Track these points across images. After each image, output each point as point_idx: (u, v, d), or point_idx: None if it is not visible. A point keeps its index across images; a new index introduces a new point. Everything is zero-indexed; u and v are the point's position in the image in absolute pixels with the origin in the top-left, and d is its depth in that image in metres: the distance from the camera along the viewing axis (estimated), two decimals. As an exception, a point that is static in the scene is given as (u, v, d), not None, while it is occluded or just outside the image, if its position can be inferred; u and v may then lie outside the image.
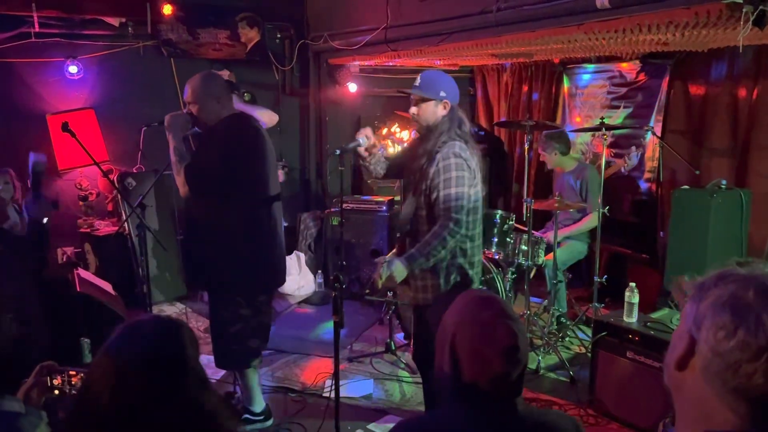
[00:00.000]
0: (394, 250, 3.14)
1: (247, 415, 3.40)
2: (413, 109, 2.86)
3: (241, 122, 3.20)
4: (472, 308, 1.54)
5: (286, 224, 5.99)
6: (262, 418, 3.43)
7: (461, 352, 1.48)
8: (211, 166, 3.03)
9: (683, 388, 1.06)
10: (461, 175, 2.71)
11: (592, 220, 4.59)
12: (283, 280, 3.49)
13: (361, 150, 2.99)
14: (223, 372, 4.04)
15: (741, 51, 2.77)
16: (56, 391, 1.80)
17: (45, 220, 4.39)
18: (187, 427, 1.36)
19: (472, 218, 2.81)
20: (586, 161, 5.51)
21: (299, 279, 5.76)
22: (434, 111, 2.82)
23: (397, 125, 6.25)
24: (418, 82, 2.86)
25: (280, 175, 5.26)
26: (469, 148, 2.81)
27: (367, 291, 2.73)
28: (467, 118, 2.95)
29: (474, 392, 1.48)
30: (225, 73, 5.96)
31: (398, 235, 3.07)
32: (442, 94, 2.82)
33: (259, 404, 3.43)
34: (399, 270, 2.72)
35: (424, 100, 2.82)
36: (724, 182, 4.11)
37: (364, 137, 2.97)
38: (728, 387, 0.99)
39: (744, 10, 2.47)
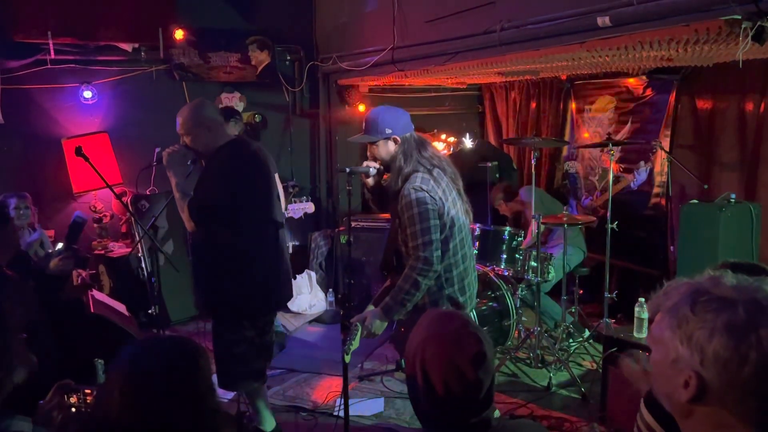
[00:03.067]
0: (380, 292, 3.05)
1: None
2: (370, 152, 2.87)
3: (238, 149, 3.14)
4: (437, 323, 1.56)
5: (297, 243, 6.04)
6: None
7: (431, 367, 1.48)
8: (212, 197, 3.01)
9: (694, 414, 1.04)
10: (423, 209, 2.64)
11: (533, 235, 4.52)
12: (288, 300, 3.51)
13: (368, 180, 3.01)
14: (231, 394, 4.07)
15: (741, 66, 2.78)
16: (73, 409, 1.84)
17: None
18: None
19: (452, 245, 2.75)
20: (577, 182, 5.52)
21: (310, 297, 5.79)
22: (387, 149, 2.80)
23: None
24: (363, 126, 2.86)
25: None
26: (432, 175, 2.73)
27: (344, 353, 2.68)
28: (425, 140, 2.84)
29: (448, 408, 1.48)
30: (236, 96, 6.10)
31: (384, 273, 3.02)
32: (388, 131, 2.77)
33: (269, 423, 3.42)
34: (377, 326, 2.72)
35: (373, 142, 2.82)
36: (733, 196, 4.11)
37: (374, 168, 2.97)
38: (749, 408, 0.99)
39: (743, 26, 2.50)
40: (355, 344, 2.66)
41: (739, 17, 2.50)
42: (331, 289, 5.88)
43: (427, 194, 2.65)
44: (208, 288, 3.20)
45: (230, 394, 4.01)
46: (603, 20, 3.01)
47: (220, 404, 1.53)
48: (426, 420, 1.56)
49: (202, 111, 3.12)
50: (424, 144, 2.83)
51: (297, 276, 5.78)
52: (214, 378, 4.26)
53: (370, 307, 2.85)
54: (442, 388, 1.46)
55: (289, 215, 4.80)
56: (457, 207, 2.80)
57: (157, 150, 5.57)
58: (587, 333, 4.68)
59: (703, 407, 1.02)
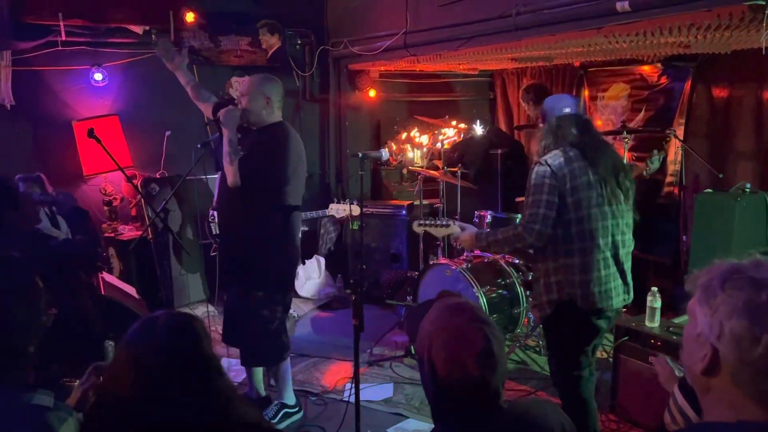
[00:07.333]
0: None
1: (286, 410, 3.56)
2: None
3: (289, 132, 3.37)
4: (446, 315, 1.54)
5: (306, 228, 6.03)
6: (297, 409, 3.61)
7: (437, 359, 1.47)
8: (262, 167, 3.22)
9: (711, 389, 1.08)
10: (539, 182, 2.70)
11: None
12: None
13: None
14: (243, 375, 4.08)
15: (764, 53, 2.73)
16: None
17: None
18: (205, 414, 1.39)
19: (574, 230, 2.69)
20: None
21: (320, 283, 5.79)
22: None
23: (416, 130, 6.26)
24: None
25: None
26: (565, 154, 2.73)
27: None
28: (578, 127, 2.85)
29: (454, 398, 1.47)
30: (245, 79, 6.06)
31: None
32: (543, 107, 2.99)
33: (292, 397, 3.60)
34: (465, 239, 3.01)
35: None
36: (748, 185, 4.05)
37: (386, 151, 3.32)
38: (761, 389, 1.02)
39: (767, 11, 2.45)
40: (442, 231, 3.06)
41: (764, 3, 2.44)
42: (339, 275, 5.87)
43: (548, 168, 2.71)
44: (252, 264, 3.33)
45: (240, 377, 4.03)
46: (622, 5, 2.96)
47: (228, 376, 1.52)
48: (435, 406, 1.56)
49: (268, 83, 3.36)
50: (571, 131, 2.82)
51: (306, 261, 5.78)
52: (225, 362, 4.26)
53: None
54: (447, 380, 1.47)
55: (331, 213, 4.81)
56: (590, 193, 2.70)
57: (168, 133, 5.62)
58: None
59: (718, 382, 1.05)
